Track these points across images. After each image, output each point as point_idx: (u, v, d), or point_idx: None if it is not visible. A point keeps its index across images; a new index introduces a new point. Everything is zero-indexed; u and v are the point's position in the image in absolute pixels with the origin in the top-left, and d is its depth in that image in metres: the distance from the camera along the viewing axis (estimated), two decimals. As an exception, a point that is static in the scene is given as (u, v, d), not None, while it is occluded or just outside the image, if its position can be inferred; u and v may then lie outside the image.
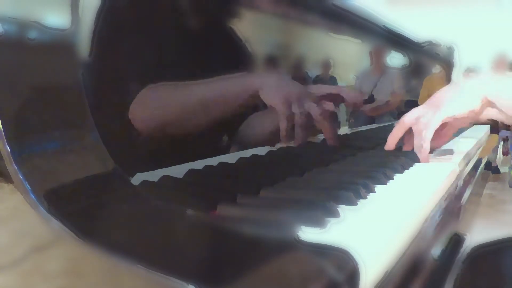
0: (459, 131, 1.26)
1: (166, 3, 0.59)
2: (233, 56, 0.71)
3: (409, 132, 0.83)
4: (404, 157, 0.78)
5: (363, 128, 1.17)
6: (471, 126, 1.55)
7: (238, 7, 0.70)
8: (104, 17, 0.47)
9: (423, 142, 0.77)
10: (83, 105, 0.39)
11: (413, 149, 0.81)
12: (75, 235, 0.33)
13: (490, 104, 0.79)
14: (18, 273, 0.37)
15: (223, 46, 0.69)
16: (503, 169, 3.66)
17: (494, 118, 0.82)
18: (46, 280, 0.36)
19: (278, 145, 0.77)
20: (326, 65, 0.99)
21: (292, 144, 0.80)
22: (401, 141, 0.84)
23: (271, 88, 0.64)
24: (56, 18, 0.39)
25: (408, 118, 0.81)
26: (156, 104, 0.52)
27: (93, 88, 0.45)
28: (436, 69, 1.89)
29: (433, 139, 0.78)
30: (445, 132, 0.87)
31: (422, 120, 0.79)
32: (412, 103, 1.57)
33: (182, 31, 0.62)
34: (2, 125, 0.34)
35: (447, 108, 0.78)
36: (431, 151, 0.86)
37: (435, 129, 0.78)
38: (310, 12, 0.91)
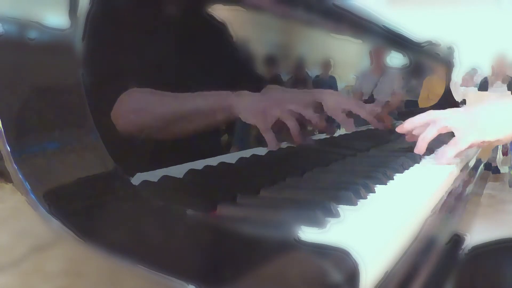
0: None
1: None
2: (223, 50, 0.72)
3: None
4: (404, 157, 0.78)
5: (363, 128, 1.17)
6: None
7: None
8: (97, 16, 0.47)
9: (448, 152, 0.77)
10: (83, 105, 0.39)
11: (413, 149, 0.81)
12: (75, 235, 0.33)
13: None
14: (18, 273, 0.37)
15: (212, 40, 0.69)
16: (503, 169, 3.66)
17: None
18: (46, 280, 0.36)
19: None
20: (326, 65, 0.99)
21: (292, 144, 0.80)
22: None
23: (248, 109, 0.66)
24: (56, 18, 0.39)
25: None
26: (136, 110, 0.54)
27: (93, 88, 0.45)
28: (436, 70, 1.89)
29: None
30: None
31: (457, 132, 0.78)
32: (412, 103, 1.57)
33: (173, 27, 0.62)
34: (2, 125, 0.34)
35: (482, 132, 0.78)
36: (431, 151, 0.86)
37: (464, 149, 0.78)
38: (310, 12, 0.91)
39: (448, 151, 0.78)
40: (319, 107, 0.87)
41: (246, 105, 0.66)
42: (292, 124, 0.71)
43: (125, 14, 0.54)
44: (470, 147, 0.79)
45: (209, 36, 0.67)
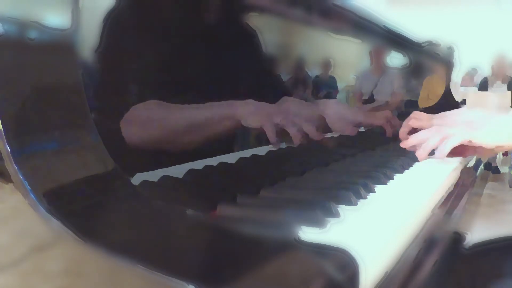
0: None
1: (171, 4, 0.60)
2: (242, 54, 0.72)
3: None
4: (404, 157, 0.78)
5: (363, 128, 1.17)
6: None
7: (248, 4, 0.71)
8: (112, 18, 0.48)
9: (442, 147, 0.76)
10: (83, 105, 0.39)
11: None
12: (75, 235, 0.33)
13: None
14: (18, 273, 0.37)
15: (233, 43, 0.70)
16: (503, 169, 3.66)
17: None
18: (46, 280, 0.36)
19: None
20: (326, 65, 0.99)
21: (292, 144, 0.80)
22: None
23: (251, 113, 0.68)
24: (56, 18, 0.39)
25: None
26: (143, 124, 0.55)
27: (93, 88, 0.45)
28: (436, 70, 1.89)
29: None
30: (465, 149, 0.86)
31: (451, 131, 0.78)
32: (412, 103, 1.57)
33: (182, 30, 0.62)
34: (2, 125, 0.34)
35: (482, 134, 0.77)
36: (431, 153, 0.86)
37: (458, 143, 0.77)
38: (310, 12, 0.91)
39: (444, 144, 0.76)
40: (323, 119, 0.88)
41: (249, 111, 0.68)
42: (293, 131, 0.71)
43: (135, 14, 0.54)
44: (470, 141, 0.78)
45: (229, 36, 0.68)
